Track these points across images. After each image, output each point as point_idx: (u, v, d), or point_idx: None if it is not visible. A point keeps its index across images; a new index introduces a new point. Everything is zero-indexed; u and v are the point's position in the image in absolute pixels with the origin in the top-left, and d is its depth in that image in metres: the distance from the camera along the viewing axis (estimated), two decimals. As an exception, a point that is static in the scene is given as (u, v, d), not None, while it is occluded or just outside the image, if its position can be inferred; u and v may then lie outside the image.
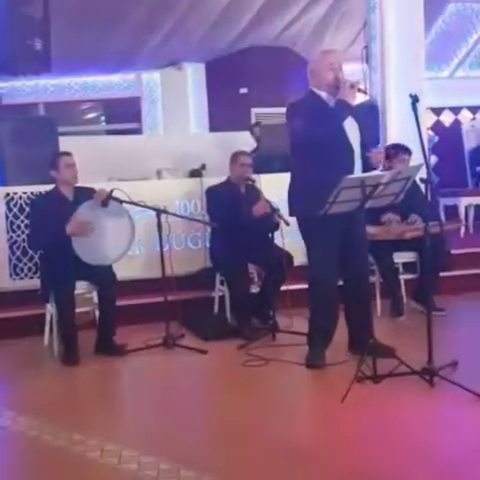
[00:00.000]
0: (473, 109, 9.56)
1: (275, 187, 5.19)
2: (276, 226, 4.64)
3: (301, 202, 3.79)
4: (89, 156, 5.11)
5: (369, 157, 3.82)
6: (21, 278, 5.25)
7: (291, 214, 3.94)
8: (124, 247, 4.44)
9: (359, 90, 3.72)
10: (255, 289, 4.95)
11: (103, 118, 10.79)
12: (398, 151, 5.03)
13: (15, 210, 5.25)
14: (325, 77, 3.73)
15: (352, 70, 5.41)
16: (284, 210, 4.53)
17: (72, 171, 4.45)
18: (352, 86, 3.65)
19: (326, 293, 3.80)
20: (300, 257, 4.88)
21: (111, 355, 4.29)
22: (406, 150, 5.02)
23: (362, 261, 3.76)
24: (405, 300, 5.06)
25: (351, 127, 3.75)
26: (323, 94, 3.77)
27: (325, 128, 3.62)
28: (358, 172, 3.71)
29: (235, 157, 5.05)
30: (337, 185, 3.33)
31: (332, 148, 3.64)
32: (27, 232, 4.99)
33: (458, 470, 2.53)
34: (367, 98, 4.17)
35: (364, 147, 3.83)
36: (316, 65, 3.83)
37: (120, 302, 4.47)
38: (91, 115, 10.79)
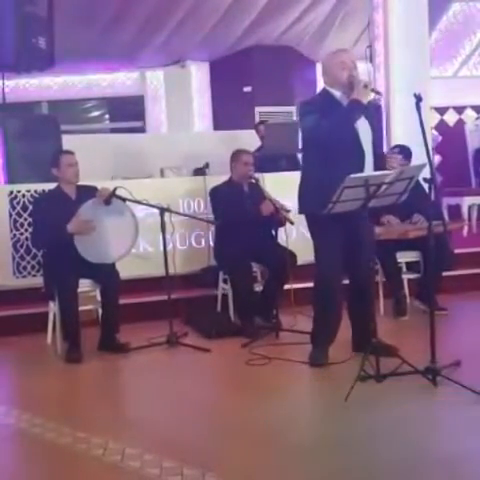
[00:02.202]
0: (477, 108, 9.53)
1: (279, 186, 5.21)
2: (281, 222, 4.62)
3: (310, 200, 3.78)
4: (93, 154, 5.12)
5: (384, 158, 3.81)
6: (24, 276, 5.26)
7: (300, 212, 3.94)
8: (127, 246, 4.44)
9: (372, 90, 3.70)
10: (258, 288, 4.95)
11: (107, 116, 10.79)
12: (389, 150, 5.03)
13: (18, 208, 5.25)
14: (339, 76, 3.70)
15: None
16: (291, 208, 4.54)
17: (74, 170, 4.44)
18: (366, 86, 3.61)
19: (330, 291, 3.80)
20: (304, 256, 4.88)
21: (114, 353, 4.30)
22: (400, 151, 4.97)
23: (367, 261, 3.76)
24: (408, 299, 5.06)
25: (363, 128, 3.73)
26: (336, 93, 3.74)
27: (337, 128, 3.60)
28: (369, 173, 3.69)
29: (237, 156, 5.00)
30: (340, 184, 3.34)
31: (343, 148, 3.63)
32: (30, 230, 4.99)
33: (461, 469, 2.53)
34: (371, 98, 4.10)
35: (375, 147, 3.81)
36: (328, 63, 3.81)
37: (124, 300, 4.48)
38: (95, 113, 10.79)
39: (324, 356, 3.83)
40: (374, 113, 4.19)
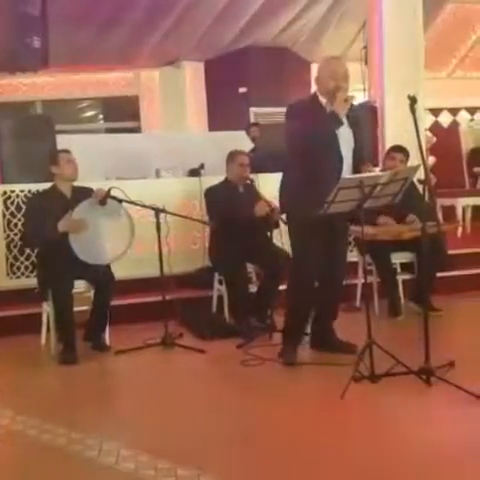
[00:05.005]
0: (471, 110, 9.58)
1: (273, 187, 5.19)
2: (276, 224, 4.65)
3: (289, 200, 3.93)
4: (87, 154, 5.09)
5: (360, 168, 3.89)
6: (18, 277, 5.25)
7: (282, 211, 4.12)
8: (123, 247, 4.43)
9: (351, 106, 3.75)
10: (253, 288, 4.95)
11: (101, 116, 10.78)
12: (389, 150, 5.15)
13: (12, 208, 5.24)
14: (326, 84, 3.76)
15: (351, 70, 5.41)
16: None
17: (73, 166, 4.46)
18: (346, 100, 3.68)
19: (307, 290, 3.92)
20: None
21: (100, 352, 4.34)
22: (398, 149, 5.03)
23: (341, 268, 4.03)
24: (403, 300, 5.07)
25: (344, 135, 3.79)
26: (323, 100, 3.81)
27: (318, 133, 3.67)
28: None
29: (232, 157, 5.03)
30: (336, 185, 3.37)
31: (322, 153, 3.70)
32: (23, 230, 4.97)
33: (455, 469, 2.53)
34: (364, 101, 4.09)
35: (356, 153, 3.87)
36: (320, 71, 3.87)
37: (119, 301, 4.47)
38: (89, 113, 10.78)
39: (295, 355, 3.92)
40: (362, 121, 4.23)
